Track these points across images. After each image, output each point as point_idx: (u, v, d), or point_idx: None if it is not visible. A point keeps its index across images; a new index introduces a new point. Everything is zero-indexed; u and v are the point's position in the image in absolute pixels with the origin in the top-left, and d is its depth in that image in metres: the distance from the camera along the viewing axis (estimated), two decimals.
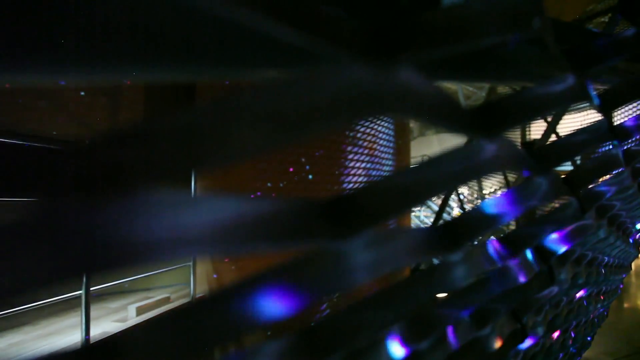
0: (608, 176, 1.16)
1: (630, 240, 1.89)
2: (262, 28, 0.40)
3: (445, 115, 0.52)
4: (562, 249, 1.00)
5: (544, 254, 0.95)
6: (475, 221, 0.65)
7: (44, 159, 0.28)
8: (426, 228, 0.58)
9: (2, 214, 0.27)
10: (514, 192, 0.74)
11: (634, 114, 1.09)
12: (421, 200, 0.50)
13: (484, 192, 8.29)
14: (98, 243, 0.28)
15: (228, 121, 0.37)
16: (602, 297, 2.02)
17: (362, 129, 4.22)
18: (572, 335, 1.77)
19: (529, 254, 0.89)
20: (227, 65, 0.44)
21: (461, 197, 7.84)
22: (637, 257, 2.83)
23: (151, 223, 0.30)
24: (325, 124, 0.39)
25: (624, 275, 2.72)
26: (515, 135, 7.25)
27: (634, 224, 1.81)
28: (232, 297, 0.39)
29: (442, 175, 0.51)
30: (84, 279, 2.97)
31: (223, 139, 0.36)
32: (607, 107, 0.88)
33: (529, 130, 7.08)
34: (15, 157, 0.29)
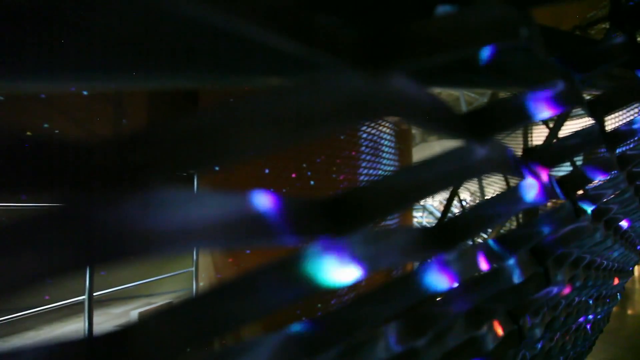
0: (603, 180, 1.18)
1: (630, 245, 1.90)
2: (261, 38, 0.42)
3: (437, 119, 0.55)
4: (558, 250, 1.02)
5: (539, 255, 0.97)
6: (469, 222, 0.68)
7: (53, 157, 0.30)
8: (421, 227, 0.61)
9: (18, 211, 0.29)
10: (506, 194, 0.76)
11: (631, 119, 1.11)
12: (414, 201, 0.52)
13: (486, 197, 8.29)
14: (108, 235, 0.30)
15: (228, 125, 0.39)
16: (602, 302, 2.03)
17: (364, 136, 4.25)
18: (572, 338, 1.78)
19: (524, 255, 0.91)
20: (227, 73, 0.47)
21: (463, 202, 7.85)
22: (638, 262, 2.83)
23: (155, 217, 0.33)
24: (320, 129, 0.42)
25: (625, 280, 2.72)
26: (517, 141, 7.28)
27: (633, 228, 1.83)
28: (231, 290, 0.41)
29: (434, 177, 0.53)
30: (87, 285, 2.98)
31: (223, 141, 0.38)
32: (599, 113, 0.90)
33: (531, 136, 7.11)
34: (28, 155, 0.31)
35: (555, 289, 1.10)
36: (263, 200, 0.44)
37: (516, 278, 0.88)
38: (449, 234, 0.66)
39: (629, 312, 7.19)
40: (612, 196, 1.27)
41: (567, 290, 1.04)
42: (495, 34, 0.53)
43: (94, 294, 3.11)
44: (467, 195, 9.06)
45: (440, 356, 0.76)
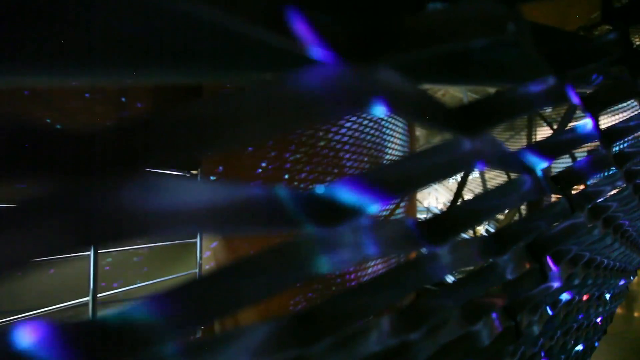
0: (600, 177, 1.18)
1: (631, 244, 1.90)
2: (255, 35, 0.44)
3: (427, 114, 0.56)
4: (555, 247, 1.03)
5: (535, 250, 0.97)
6: (461, 216, 0.69)
7: (59, 145, 0.32)
8: (413, 220, 0.62)
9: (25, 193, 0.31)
10: (500, 189, 0.77)
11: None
12: (403, 192, 0.54)
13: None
14: (110, 216, 0.32)
15: (227, 115, 0.41)
16: (603, 301, 2.03)
17: (368, 137, 4.26)
18: (574, 338, 1.78)
19: (521, 251, 0.92)
20: (223, 68, 0.49)
21: None
22: None
23: (156, 200, 0.34)
24: (311, 119, 0.43)
25: (628, 280, 2.71)
26: (521, 143, 7.27)
27: (635, 227, 1.82)
28: (227, 275, 0.43)
29: (423, 169, 0.55)
30: (91, 286, 3.01)
31: (222, 130, 0.40)
32: (594, 109, 0.91)
33: (535, 137, 7.11)
34: (35, 142, 0.33)
35: (551, 287, 1.10)
36: (256, 191, 0.45)
37: (511, 274, 0.89)
38: (442, 227, 0.67)
39: (635, 314, 7.12)
40: (610, 193, 1.27)
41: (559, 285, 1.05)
42: (483, 30, 0.55)
43: (98, 295, 3.13)
44: (471, 195, 9.03)
45: (435, 350, 0.77)
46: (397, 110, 0.51)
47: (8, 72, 0.38)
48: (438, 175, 0.57)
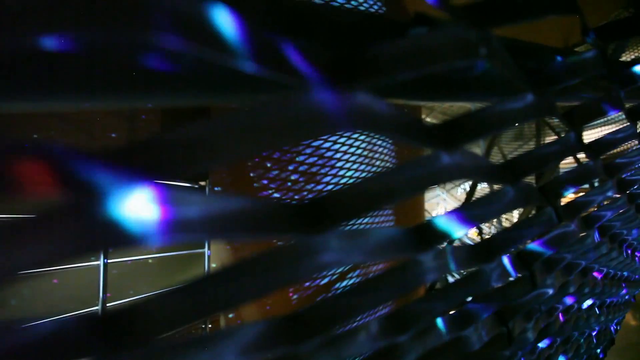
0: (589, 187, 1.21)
1: (631, 252, 1.90)
2: (244, 68, 0.49)
3: (407, 131, 0.61)
4: (545, 254, 1.06)
5: (525, 258, 1.01)
6: (445, 225, 0.73)
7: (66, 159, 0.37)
8: (398, 228, 0.66)
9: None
10: (483, 200, 0.81)
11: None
12: (385, 204, 0.58)
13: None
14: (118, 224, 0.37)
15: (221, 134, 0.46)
16: (605, 311, 2.03)
17: (374, 148, 4.30)
18: (574, 347, 1.78)
19: (507, 258, 0.95)
20: (213, 93, 0.54)
21: None
22: None
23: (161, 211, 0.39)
24: (293, 140, 0.48)
25: (634, 290, 2.69)
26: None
27: (634, 236, 1.83)
28: (226, 276, 0.48)
29: (404, 182, 0.59)
30: (100, 296, 3.07)
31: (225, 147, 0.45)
32: (576, 122, 0.95)
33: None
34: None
35: (545, 293, 1.13)
36: (247, 201, 0.50)
37: (500, 281, 0.92)
38: (427, 235, 0.71)
39: None
40: (602, 204, 1.30)
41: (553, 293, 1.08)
42: (456, 53, 0.59)
43: (107, 305, 3.18)
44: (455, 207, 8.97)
45: (423, 353, 0.80)
46: (376, 131, 0.56)
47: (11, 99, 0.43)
48: (419, 188, 0.61)
